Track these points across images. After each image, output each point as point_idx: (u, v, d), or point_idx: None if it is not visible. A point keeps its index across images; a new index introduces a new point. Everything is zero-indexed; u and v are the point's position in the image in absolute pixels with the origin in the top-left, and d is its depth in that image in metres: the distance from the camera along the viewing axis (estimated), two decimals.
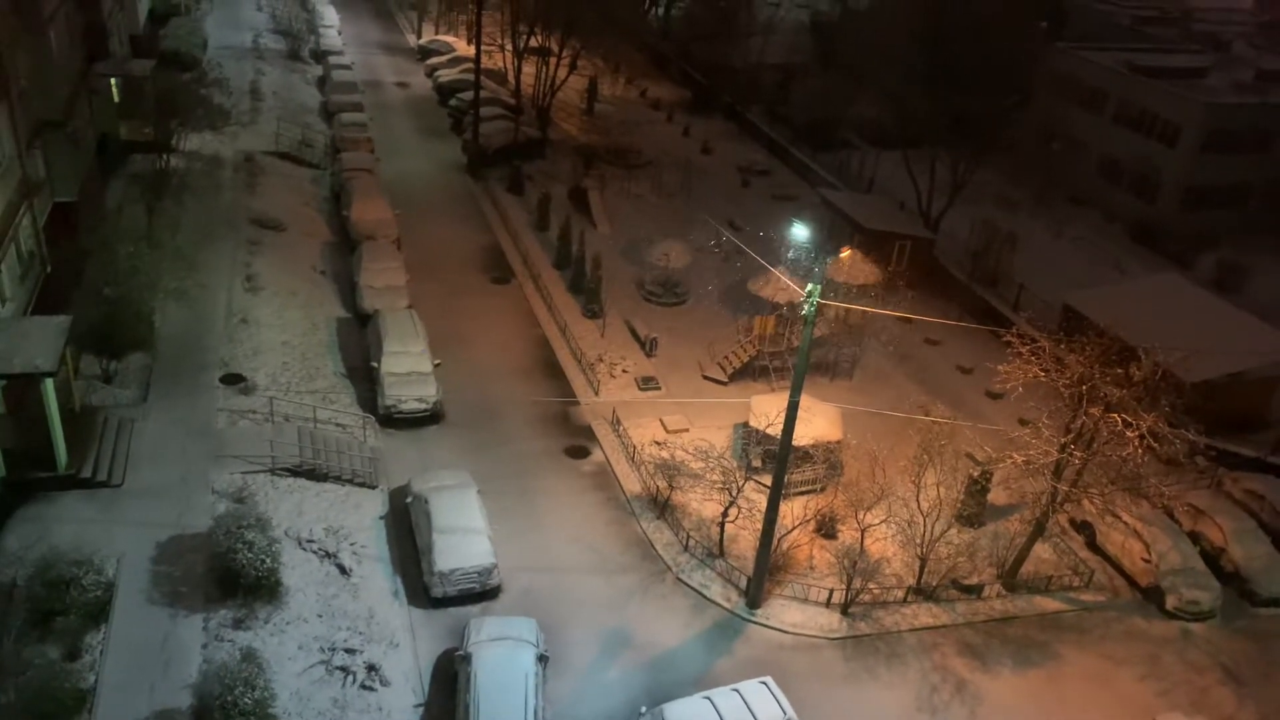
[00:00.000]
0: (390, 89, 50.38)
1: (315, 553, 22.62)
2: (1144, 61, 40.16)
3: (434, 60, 49.69)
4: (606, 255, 34.63)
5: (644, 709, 17.76)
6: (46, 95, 23.53)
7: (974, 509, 26.44)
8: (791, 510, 25.61)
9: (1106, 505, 23.08)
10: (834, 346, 30.49)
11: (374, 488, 24.90)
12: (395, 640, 19.42)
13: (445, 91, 49.57)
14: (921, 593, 24.29)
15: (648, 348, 30.77)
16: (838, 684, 20.62)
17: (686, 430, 27.90)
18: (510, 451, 25.83)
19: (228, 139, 40.25)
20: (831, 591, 22.83)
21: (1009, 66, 36.41)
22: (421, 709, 18.31)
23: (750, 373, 30.31)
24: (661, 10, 57.87)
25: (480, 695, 17.39)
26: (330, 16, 58.43)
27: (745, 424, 28.40)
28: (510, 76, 48.70)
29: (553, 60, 45.05)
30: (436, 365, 27.59)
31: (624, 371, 30.15)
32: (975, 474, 26.15)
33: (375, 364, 27.69)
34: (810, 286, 20.52)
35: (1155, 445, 20.17)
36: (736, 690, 17.30)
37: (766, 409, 27.03)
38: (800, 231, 31.66)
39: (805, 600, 22.66)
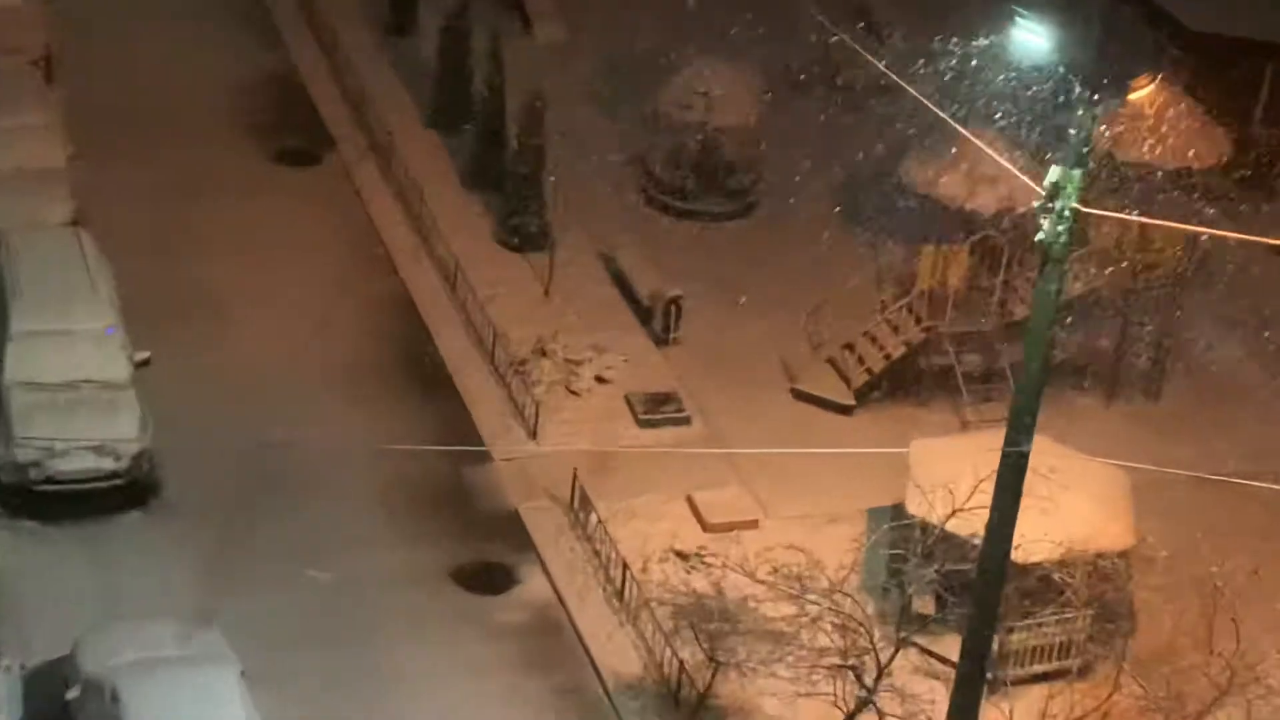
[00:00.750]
0: None
1: None
2: None
3: None
4: (558, 96, 34.36)
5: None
6: None
7: None
8: None
9: None
10: (1113, 318, 31.03)
11: None
12: None
13: None
14: None
15: (657, 321, 31.06)
16: None
17: (753, 525, 27.44)
18: (328, 574, 26.03)
19: None
20: None
21: None
22: None
23: (907, 382, 30.59)
24: None
25: None
26: None
27: (896, 509, 26.32)
28: None
29: None
30: (141, 364, 27.85)
31: (599, 380, 30.11)
32: None
33: None
34: (1055, 173, 18.55)
35: None
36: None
37: (945, 470, 24.89)
38: (1031, 32, 26.12)
39: None
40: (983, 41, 33.37)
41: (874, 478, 26.83)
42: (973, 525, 22.28)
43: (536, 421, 28.30)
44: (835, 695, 23.19)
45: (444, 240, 32.25)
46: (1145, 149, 30.80)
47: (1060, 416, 27.76)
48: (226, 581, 25.02)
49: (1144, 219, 26.53)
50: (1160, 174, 30.56)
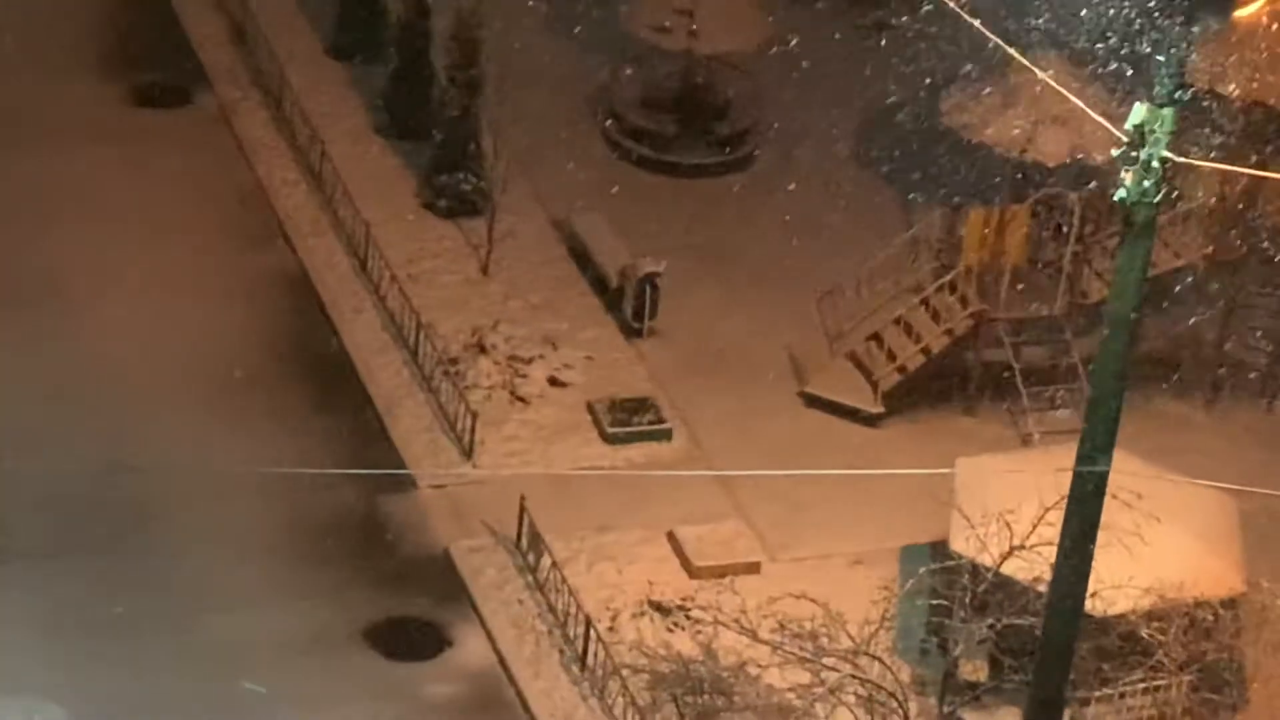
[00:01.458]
0: None
1: None
2: None
3: None
4: (499, 15, 34.20)
5: None
6: None
7: None
8: None
9: None
10: (1217, 300, 31.27)
11: None
12: None
13: None
14: None
15: (628, 306, 31.44)
16: None
17: (753, 569, 27.73)
18: (202, 639, 25.98)
19: None
20: None
21: None
22: None
23: (951, 383, 30.95)
24: None
25: None
26: None
27: (937, 547, 26.42)
28: None
29: None
30: None
31: (554, 383, 30.39)
32: None
33: None
34: (1140, 113, 18.38)
35: None
36: None
37: (1000, 497, 25.03)
38: None
39: None
40: None
41: (909, 507, 26.91)
42: (1036, 568, 22.42)
43: (473, 437, 28.30)
44: None
45: (352, 203, 32.21)
46: (1254, 82, 30.79)
47: (1149, 427, 27.83)
48: (75, 647, 24.89)
49: (1255, 171, 26.68)
50: (1277, 112, 30.60)
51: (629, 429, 29.01)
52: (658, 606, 26.34)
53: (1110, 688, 24.67)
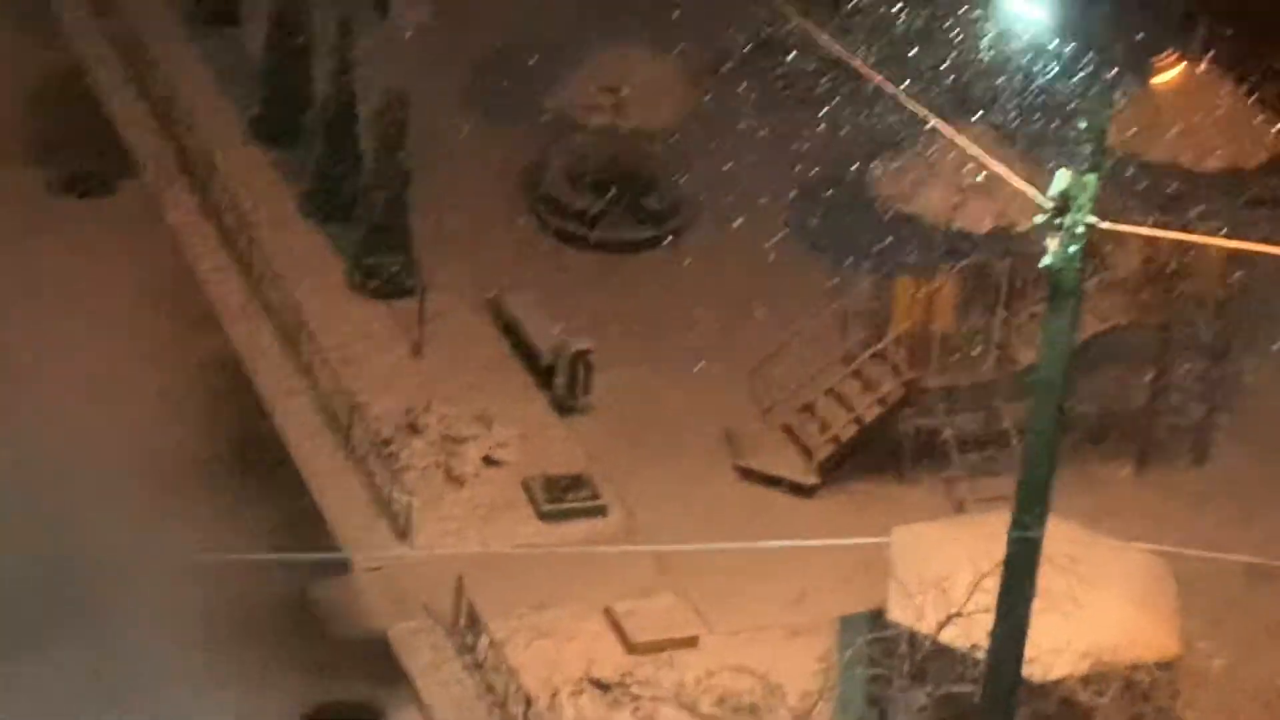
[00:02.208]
0: None
1: None
2: None
3: None
4: (427, 97, 34.94)
5: None
6: None
7: None
8: None
9: None
10: (1145, 362, 31.73)
11: None
12: None
13: None
14: None
15: (560, 384, 31.44)
16: None
17: (691, 643, 27.66)
18: None
19: None
20: None
21: None
22: None
23: (884, 452, 30.99)
24: None
25: None
26: None
27: (875, 616, 26.25)
28: None
29: None
30: None
31: (488, 462, 30.36)
32: None
33: None
34: (1064, 180, 18.68)
35: None
36: None
37: (937, 564, 25.11)
38: (1024, 4, 27.30)
39: None
40: (968, 17, 34.03)
41: (846, 577, 26.94)
42: (974, 635, 22.39)
43: (408, 518, 28.29)
44: None
45: (282, 287, 32.26)
46: (1175, 147, 31.03)
47: (1081, 491, 27.90)
48: None
49: (1178, 234, 26.76)
50: (1198, 177, 30.87)
51: (564, 506, 28.99)
52: (597, 683, 26.19)
53: None
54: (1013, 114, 31.87)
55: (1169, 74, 32.17)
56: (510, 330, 32.22)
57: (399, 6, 39.77)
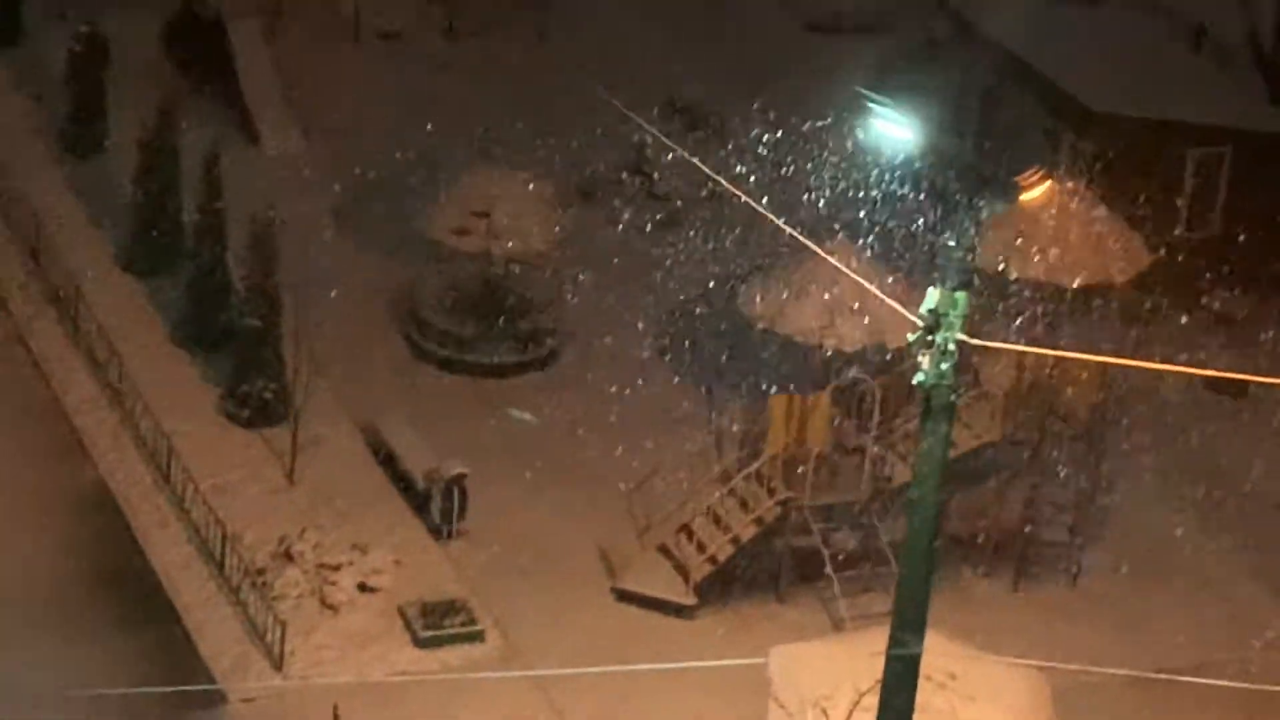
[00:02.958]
0: None
1: None
2: None
3: None
4: (296, 223, 34.87)
5: None
6: None
7: None
8: None
9: None
10: (1017, 479, 31.78)
11: None
12: None
13: None
14: None
15: (436, 509, 31.32)
16: None
17: None
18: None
19: None
20: None
21: None
22: None
23: (762, 571, 30.94)
24: None
25: None
26: None
27: None
28: None
29: None
30: None
31: (363, 589, 30.21)
32: None
33: None
34: (933, 298, 18.43)
35: None
36: None
37: (816, 683, 24.79)
38: (889, 125, 27.08)
39: None
40: (834, 136, 34.62)
41: (726, 697, 26.83)
42: None
43: (283, 648, 28.01)
44: None
45: (152, 416, 32.02)
46: (1043, 264, 31.47)
47: (958, 606, 28.15)
48: None
49: (1048, 350, 27.05)
50: (1066, 292, 31.26)
51: (441, 632, 28.80)
52: None
53: None
54: (881, 234, 32.22)
55: (1035, 191, 32.65)
56: (385, 456, 32.17)
57: (268, 134, 39.85)
